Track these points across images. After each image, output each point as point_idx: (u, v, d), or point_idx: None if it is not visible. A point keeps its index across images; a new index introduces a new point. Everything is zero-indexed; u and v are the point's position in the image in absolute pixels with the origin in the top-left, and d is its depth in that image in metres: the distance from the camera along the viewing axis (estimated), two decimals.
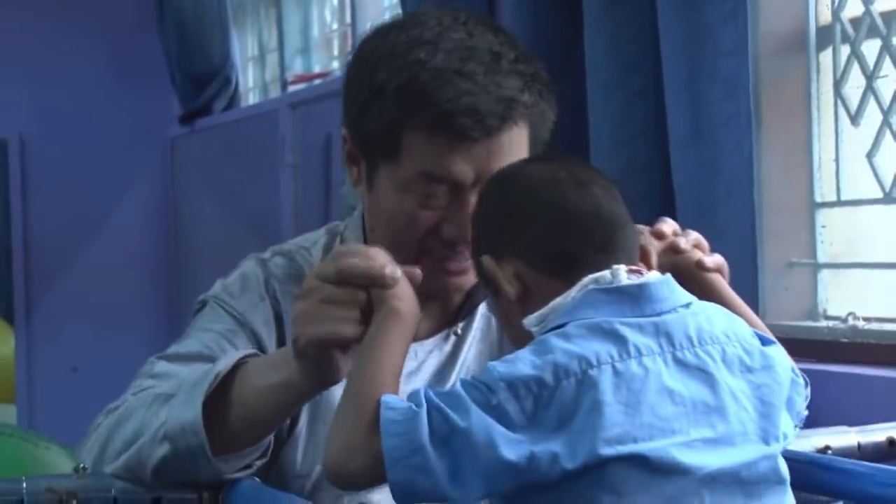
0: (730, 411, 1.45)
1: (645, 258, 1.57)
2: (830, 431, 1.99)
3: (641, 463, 1.39)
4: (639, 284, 1.48)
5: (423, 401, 1.38)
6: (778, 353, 1.53)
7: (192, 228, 5.63)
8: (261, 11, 5.34)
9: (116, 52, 5.68)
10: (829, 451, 1.95)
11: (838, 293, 2.51)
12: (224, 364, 1.64)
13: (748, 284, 2.29)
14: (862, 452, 1.98)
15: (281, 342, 1.83)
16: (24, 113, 5.64)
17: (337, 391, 1.56)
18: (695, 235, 1.67)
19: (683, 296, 1.49)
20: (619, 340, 1.44)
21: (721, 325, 1.48)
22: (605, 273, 1.49)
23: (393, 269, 1.51)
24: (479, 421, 1.36)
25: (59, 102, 5.65)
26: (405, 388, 1.79)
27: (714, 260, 1.64)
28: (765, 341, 1.51)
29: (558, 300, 1.49)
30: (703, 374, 1.45)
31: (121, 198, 5.80)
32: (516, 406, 1.39)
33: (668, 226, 1.66)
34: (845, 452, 1.96)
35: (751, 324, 1.55)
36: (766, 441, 1.46)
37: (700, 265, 1.63)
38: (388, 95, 1.76)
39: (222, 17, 5.18)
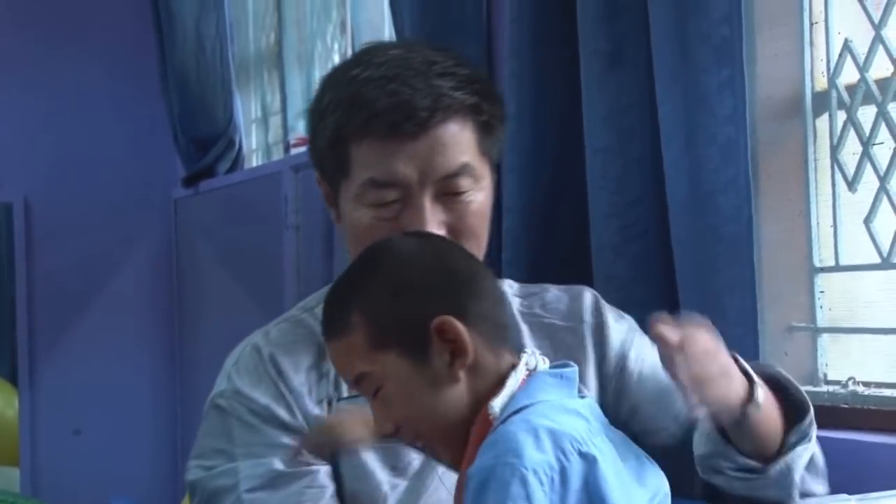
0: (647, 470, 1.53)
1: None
2: (831, 500, 2.00)
3: None
4: (570, 370, 1.53)
5: None
6: None
7: (195, 289, 5.63)
8: (264, 75, 5.36)
9: (120, 113, 5.70)
10: None
11: (838, 358, 2.50)
12: None
13: (749, 349, 2.28)
14: None
15: (300, 417, 1.85)
16: (29, 175, 5.66)
17: None
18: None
19: None
20: (584, 419, 1.47)
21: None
22: (531, 356, 1.55)
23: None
24: None
25: (63, 164, 5.67)
26: None
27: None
28: None
29: (512, 383, 1.51)
30: (626, 442, 1.53)
31: (124, 259, 5.81)
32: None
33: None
34: None
35: None
36: None
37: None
38: (329, 112, 1.83)
39: (226, 80, 5.20)
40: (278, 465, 1.81)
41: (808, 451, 1.82)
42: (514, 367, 1.53)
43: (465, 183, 1.81)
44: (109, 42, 5.71)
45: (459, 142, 1.79)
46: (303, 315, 1.93)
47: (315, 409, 1.85)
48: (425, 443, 1.55)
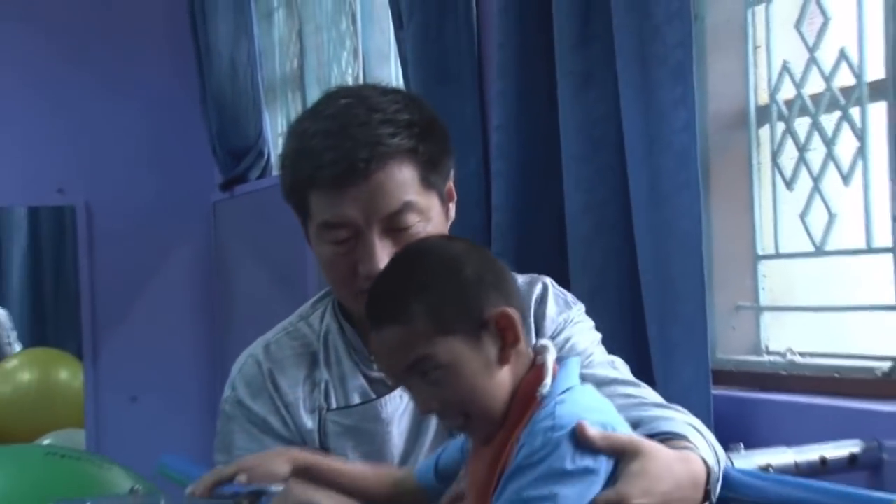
0: None
1: None
2: (771, 451, 2.00)
3: None
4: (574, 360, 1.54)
5: None
6: None
7: (232, 279, 5.63)
8: (288, 95, 5.36)
9: (167, 129, 5.69)
10: (770, 469, 1.95)
11: (778, 332, 2.50)
12: None
13: (699, 325, 2.29)
14: (798, 469, 1.98)
15: (293, 429, 1.83)
16: (90, 183, 5.65)
17: None
18: None
19: None
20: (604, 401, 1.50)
21: None
22: (550, 344, 1.53)
23: None
24: None
25: (118, 174, 5.66)
26: (400, 426, 1.80)
27: None
28: None
29: (550, 369, 1.48)
30: None
31: (171, 253, 5.80)
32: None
33: None
34: (784, 469, 1.97)
35: None
36: None
37: None
38: (286, 165, 1.80)
39: (256, 100, 5.19)
40: None
41: None
42: (540, 353, 1.50)
43: (410, 218, 1.74)
44: (157, 70, 5.69)
45: (400, 183, 1.73)
46: (299, 324, 1.89)
47: (308, 421, 1.82)
48: (465, 420, 1.48)
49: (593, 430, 1.41)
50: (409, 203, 1.74)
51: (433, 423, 1.82)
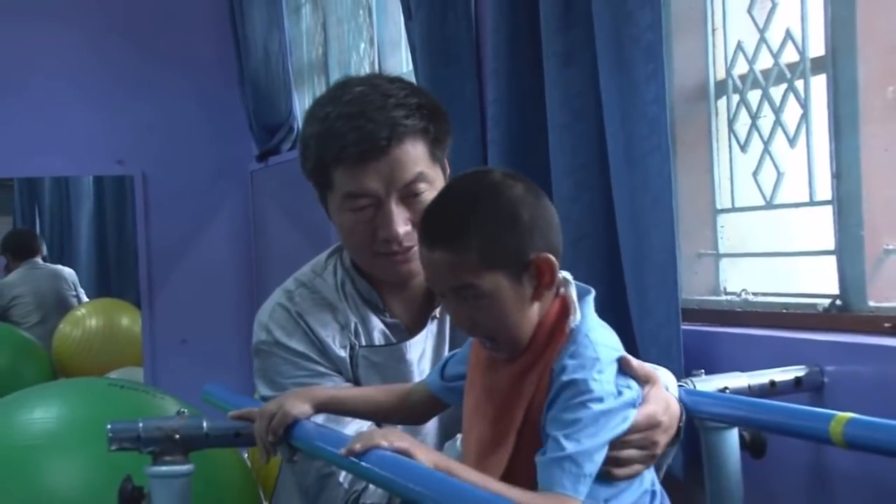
0: None
1: None
2: (728, 376, 2.00)
3: None
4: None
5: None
6: None
7: (267, 238, 5.64)
8: (314, 77, 5.34)
9: (210, 107, 5.68)
10: (727, 391, 1.95)
11: (734, 275, 2.50)
12: None
13: (670, 271, 2.28)
14: (751, 391, 1.98)
15: (330, 360, 1.82)
16: (145, 155, 5.65)
17: None
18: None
19: None
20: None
21: None
22: (569, 274, 1.48)
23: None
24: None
25: (168, 146, 5.66)
26: (420, 367, 1.79)
27: None
28: None
29: (574, 298, 1.45)
30: None
31: (215, 217, 5.80)
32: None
33: None
34: (738, 391, 1.97)
35: None
36: None
37: None
38: (310, 144, 1.77)
39: (286, 82, 5.18)
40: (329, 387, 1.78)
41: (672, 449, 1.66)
42: (563, 285, 1.46)
43: (421, 186, 1.75)
44: (201, 57, 5.68)
45: (413, 158, 1.74)
46: (315, 280, 1.87)
47: (341, 353, 1.81)
48: (492, 342, 1.46)
49: (635, 362, 1.43)
50: (421, 174, 1.75)
51: (446, 350, 1.82)
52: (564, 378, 1.39)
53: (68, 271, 7.08)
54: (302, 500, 1.84)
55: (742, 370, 2.02)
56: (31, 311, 6.79)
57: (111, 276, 7.39)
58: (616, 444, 1.41)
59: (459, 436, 1.66)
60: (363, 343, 1.82)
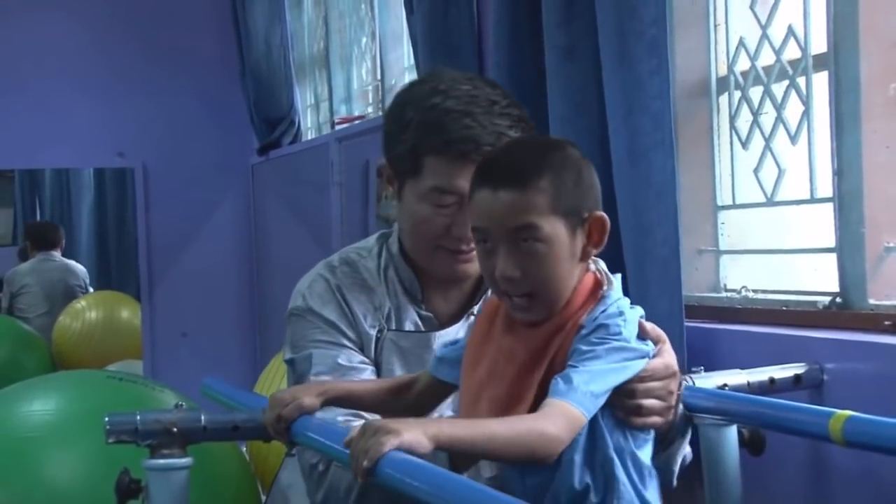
0: None
1: None
2: (727, 373, 2.00)
3: None
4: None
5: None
6: None
7: (268, 231, 5.64)
8: (315, 71, 5.34)
9: (212, 100, 5.69)
10: (726, 387, 1.95)
11: (734, 272, 2.50)
12: None
13: (673, 266, 2.27)
14: (750, 388, 1.98)
15: (357, 334, 1.83)
16: (145, 148, 5.65)
17: None
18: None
19: None
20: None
21: None
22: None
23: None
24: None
25: (169, 139, 5.66)
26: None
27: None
28: None
29: (606, 270, 1.52)
30: None
31: (216, 210, 5.80)
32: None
33: None
34: (738, 388, 1.96)
35: None
36: None
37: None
38: (412, 128, 1.77)
39: (288, 75, 5.18)
40: (341, 360, 1.80)
41: (684, 440, 1.71)
42: (595, 262, 1.51)
43: None
44: (203, 51, 5.69)
45: None
46: (360, 261, 1.88)
47: (370, 331, 1.82)
48: (528, 300, 1.46)
49: (648, 325, 1.51)
50: None
51: None
52: (592, 324, 1.45)
53: (80, 268, 7.10)
54: (307, 482, 1.84)
55: (742, 367, 2.02)
56: (38, 302, 6.81)
57: (111, 269, 7.40)
58: (639, 392, 1.49)
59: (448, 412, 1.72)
60: (393, 328, 1.83)
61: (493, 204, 1.45)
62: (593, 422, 1.44)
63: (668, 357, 1.56)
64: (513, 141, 1.64)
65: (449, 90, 1.76)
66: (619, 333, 1.44)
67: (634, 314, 1.49)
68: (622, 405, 1.49)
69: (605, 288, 1.48)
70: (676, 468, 1.68)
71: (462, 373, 1.55)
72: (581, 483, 1.46)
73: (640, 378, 1.49)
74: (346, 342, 1.82)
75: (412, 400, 1.64)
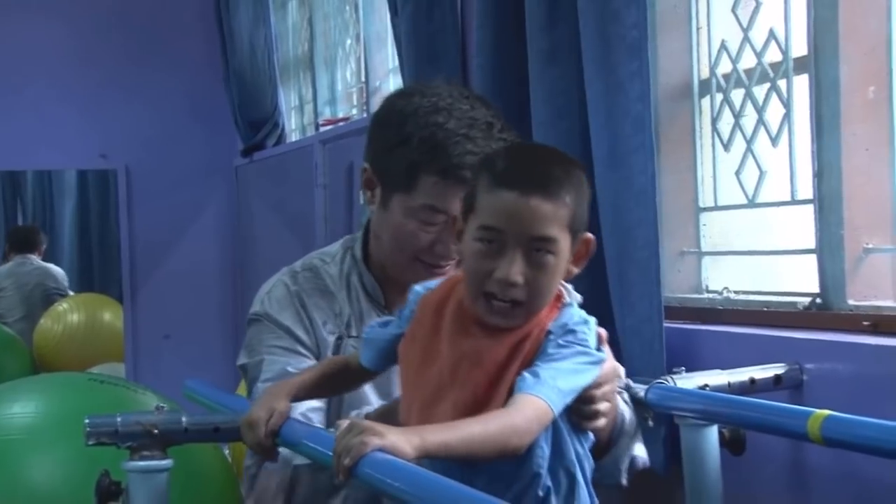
0: None
1: None
2: (708, 374, 2.01)
3: None
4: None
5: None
6: None
7: (252, 233, 5.64)
8: (300, 73, 5.35)
9: (195, 102, 5.69)
10: (707, 388, 1.96)
11: (716, 273, 2.51)
12: None
13: (653, 268, 2.28)
14: (731, 388, 1.99)
15: (314, 340, 1.85)
16: (129, 149, 5.65)
17: None
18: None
19: None
20: None
21: None
22: None
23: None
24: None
25: (152, 141, 5.66)
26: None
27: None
28: None
29: (566, 284, 1.54)
30: None
31: (199, 212, 5.80)
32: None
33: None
34: (718, 388, 1.98)
35: None
36: None
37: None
38: (412, 144, 1.78)
39: (272, 77, 5.18)
40: (290, 367, 1.82)
41: (631, 441, 1.75)
42: None
43: None
44: (187, 52, 5.68)
45: None
46: (323, 267, 1.90)
47: (329, 337, 1.84)
48: (518, 305, 1.46)
49: (603, 332, 1.53)
50: None
51: None
52: (560, 329, 1.47)
53: (59, 271, 7.07)
54: (242, 485, 1.88)
55: (723, 368, 2.03)
56: (15, 306, 6.78)
57: (94, 271, 7.38)
58: (597, 397, 1.54)
59: (366, 408, 1.75)
60: (353, 334, 1.84)
61: (520, 208, 1.44)
62: (557, 429, 1.47)
63: (611, 358, 1.60)
64: (541, 148, 1.64)
65: (450, 109, 1.77)
66: (585, 340, 1.48)
67: (593, 323, 1.52)
68: (580, 411, 1.52)
69: (565, 297, 1.51)
70: (624, 467, 1.70)
71: (406, 368, 1.55)
72: (544, 489, 1.48)
73: (596, 384, 1.52)
74: (300, 348, 1.83)
75: (347, 381, 1.68)
